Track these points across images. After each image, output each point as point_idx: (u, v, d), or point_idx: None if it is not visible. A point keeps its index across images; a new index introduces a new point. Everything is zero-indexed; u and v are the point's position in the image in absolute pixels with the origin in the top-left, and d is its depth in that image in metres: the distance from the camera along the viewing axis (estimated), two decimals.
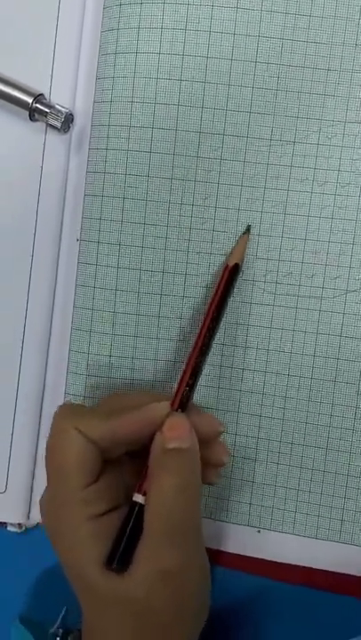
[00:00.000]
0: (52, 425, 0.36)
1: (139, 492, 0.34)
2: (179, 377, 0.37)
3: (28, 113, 0.40)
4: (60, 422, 0.35)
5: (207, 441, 0.35)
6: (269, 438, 0.40)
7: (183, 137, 0.39)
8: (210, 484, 0.37)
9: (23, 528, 0.43)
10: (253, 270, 0.39)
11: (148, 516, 0.33)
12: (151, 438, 0.34)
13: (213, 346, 0.37)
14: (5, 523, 0.43)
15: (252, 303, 0.39)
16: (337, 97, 0.38)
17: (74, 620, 0.35)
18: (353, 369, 0.39)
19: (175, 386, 0.37)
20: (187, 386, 0.36)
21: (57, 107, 0.40)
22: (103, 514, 0.34)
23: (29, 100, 0.40)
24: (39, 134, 0.41)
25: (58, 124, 0.40)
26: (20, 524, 0.43)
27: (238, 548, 0.40)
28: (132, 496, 0.35)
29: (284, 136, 0.39)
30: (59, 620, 0.41)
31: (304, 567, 0.40)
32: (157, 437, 0.34)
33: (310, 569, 0.39)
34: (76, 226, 0.41)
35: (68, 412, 0.36)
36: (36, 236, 0.42)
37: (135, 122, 0.39)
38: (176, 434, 0.34)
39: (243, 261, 0.39)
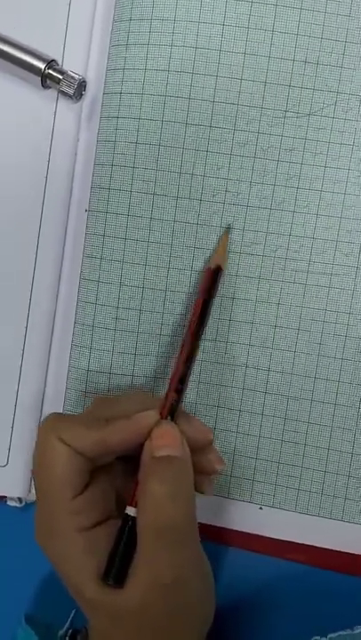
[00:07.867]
0: (37, 437, 0.35)
1: (130, 504, 0.33)
2: (167, 384, 0.36)
3: (39, 79, 0.39)
4: (44, 434, 0.34)
5: (199, 449, 0.35)
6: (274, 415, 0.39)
7: (196, 106, 0.38)
8: (201, 492, 0.36)
9: (23, 503, 0.42)
10: (263, 246, 0.39)
11: (139, 527, 0.32)
12: (141, 447, 0.34)
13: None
14: (5, 497, 0.42)
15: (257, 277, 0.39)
16: (355, 70, 0.38)
17: (83, 620, 0.35)
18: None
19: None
20: (175, 391, 0.35)
21: (70, 73, 0.39)
22: (95, 525, 0.34)
23: (42, 65, 0.39)
24: (51, 102, 0.41)
25: (71, 91, 0.39)
26: (20, 499, 0.42)
27: (240, 525, 0.39)
28: (124, 505, 0.34)
29: (300, 108, 0.38)
30: (68, 622, 0.40)
31: (306, 545, 0.39)
32: (146, 446, 0.33)
33: (313, 547, 0.39)
34: (85, 196, 0.40)
35: (52, 423, 0.35)
36: (45, 206, 0.41)
37: (148, 90, 0.38)
38: (164, 442, 0.33)
39: (226, 262, 0.38)
